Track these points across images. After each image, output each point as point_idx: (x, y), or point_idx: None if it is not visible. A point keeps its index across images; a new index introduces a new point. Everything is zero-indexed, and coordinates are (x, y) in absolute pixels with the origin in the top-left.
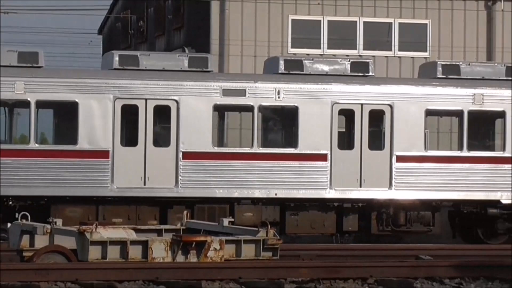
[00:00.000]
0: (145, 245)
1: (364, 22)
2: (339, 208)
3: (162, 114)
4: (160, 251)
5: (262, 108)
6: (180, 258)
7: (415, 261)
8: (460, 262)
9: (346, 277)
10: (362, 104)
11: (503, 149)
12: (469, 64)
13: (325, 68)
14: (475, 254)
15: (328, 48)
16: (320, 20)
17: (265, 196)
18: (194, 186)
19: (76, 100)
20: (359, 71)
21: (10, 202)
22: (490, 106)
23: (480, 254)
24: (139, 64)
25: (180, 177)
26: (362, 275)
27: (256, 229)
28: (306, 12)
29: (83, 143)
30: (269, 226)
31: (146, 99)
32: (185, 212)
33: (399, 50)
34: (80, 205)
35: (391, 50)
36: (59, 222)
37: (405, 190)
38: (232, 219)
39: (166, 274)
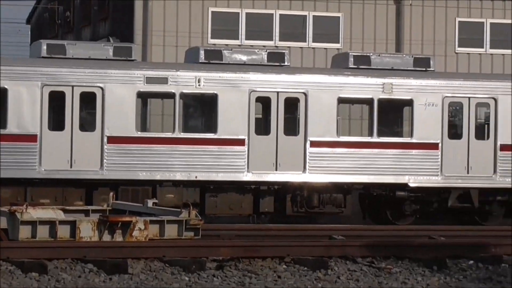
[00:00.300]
0: (73, 225)
1: (280, 15)
2: (256, 190)
3: (88, 100)
4: (87, 231)
5: (183, 95)
6: (106, 237)
7: (329, 240)
8: (372, 242)
9: (264, 256)
10: (278, 92)
11: (411, 135)
12: (379, 55)
13: (243, 58)
14: (384, 234)
15: (246, 39)
16: (238, 13)
17: (186, 178)
18: (118, 169)
19: (6, 87)
20: (275, 61)
21: None
22: (398, 94)
23: (389, 234)
24: (66, 52)
25: (105, 160)
26: (280, 254)
27: (179, 210)
28: (226, 5)
29: (12, 128)
30: (191, 208)
31: (72, 86)
32: (111, 193)
33: (313, 41)
34: (9, 187)
35: (305, 41)
36: None
37: (318, 174)
38: (156, 201)
39: (94, 253)
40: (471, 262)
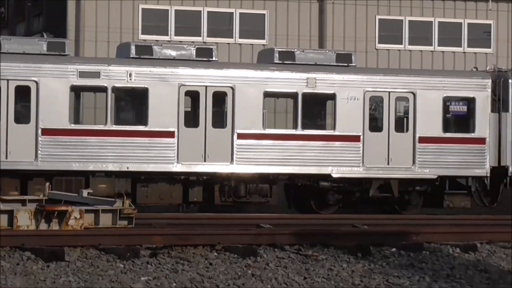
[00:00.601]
0: (10, 214)
1: (208, 12)
2: (185, 180)
3: (23, 93)
4: (24, 220)
5: (115, 89)
6: (43, 226)
7: (258, 229)
8: (299, 230)
9: (196, 244)
10: (206, 86)
11: (334, 128)
12: (303, 51)
13: (173, 53)
14: (310, 223)
15: (175, 35)
16: (168, 10)
17: (117, 169)
18: (52, 160)
19: None
20: (204, 56)
21: None
22: (322, 89)
23: (315, 223)
24: (0, 47)
25: (39, 152)
26: (211, 242)
27: (113, 199)
28: (155, 2)
29: None
30: (125, 197)
31: (8, 80)
32: (47, 184)
33: (240, 37)
34: None
35: (232, 37)
36: None
37: (245, 165)
38: (91, 191)
39: (31, 241)
40: (394, 249)
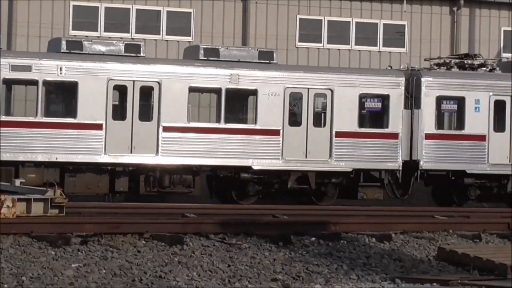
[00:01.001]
0: None
1: (137, 9)
2: (112, 171)
3: None
4: None
5: (46, 83)
6: None
7: (185, 218)
8: (223, 220)
9: (125, 232)
10: (134, 81)
11: (255, 122)
12: (227, 48)
13: (102, 48)
14: (233, 213)
15: (105, 31)
16: (98, 7)
17: (47, 160)
18: None
19: None
20: (132, 52)
21: None
22: (244, 85)
23: (237, 213)
24: None
25: None
26: (139, 231)
27: (45, 189)
28: None
29: None
30: (56, 187)
31: None
32: None
33: (167, 34)
34: None
35: (159, 34)
36: None
37: (170, 157)
38: (23, 180)
39: None
40: (313, 238)
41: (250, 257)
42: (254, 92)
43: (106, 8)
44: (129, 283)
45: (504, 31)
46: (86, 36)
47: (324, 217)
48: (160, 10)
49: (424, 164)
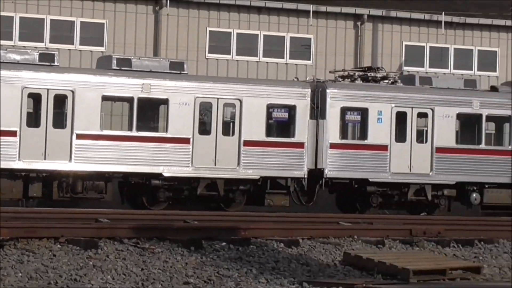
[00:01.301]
0: None
1: (51, 20)
2: (26, 177)
3: None
4: None
5: None
6: None
7: (99, 223)
8: (137, 225)
9: (41, 236)
10: (48, 89)
11: (166, 130)
12: (139, 59)
13: (17, 57)
14: (145, 218)
15: (20, 40)
16: (13, 16)
17: None
18: None
19: None
20: (46, 61)
21: None
22: (156, 94)
23: (149, 218)
24: None
25: None
26: (55, 235)
27: None
28: (1, 9)
29: None
30: None
31: None
32: None
33: (80, 44)
34: None
35: (73, 44)
36: None
37: (83, 163)
38: None
39: None
40: (224, 243)
41: (162, 261)
42: (165, 102)
43: (21, 18)
44: (45, 286)
45: (406, 45)
46: (1, 45)
47: (234, 223)
48: (74, 21)
49: (328, 173)
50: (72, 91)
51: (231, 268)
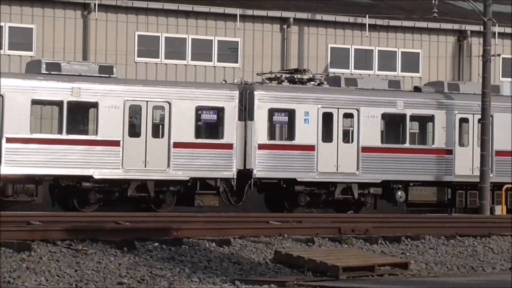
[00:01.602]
0: None
1: None
2: None
3: None
4: None
5: None
6: None
7: (32, 225)
8: (70, 227)
9: None
10: None
11: (96, 133)
12: (68, 63)
13: None
14: (77, 220)
15: None
16: None
17: None
18: None
19: None
20: None
21: None
22: (85, 97)
23: (81, 220)
24: None
25: None
26: None
27: None
28: None
29: None
30: None
31: None
32: None
33: (9, 49)
34: None
35: (2, 49)
36: None
37: (13, 167)
38: None
39: None
40: (156, 244)
41: (96, 262)
42: (95, 105)
43: None
44: None
45: (331, 47)
46: None
47: (166, 223)
48: (2, 26)
49: (257, 173)
50: (1, 96)
51: (164, 268)
